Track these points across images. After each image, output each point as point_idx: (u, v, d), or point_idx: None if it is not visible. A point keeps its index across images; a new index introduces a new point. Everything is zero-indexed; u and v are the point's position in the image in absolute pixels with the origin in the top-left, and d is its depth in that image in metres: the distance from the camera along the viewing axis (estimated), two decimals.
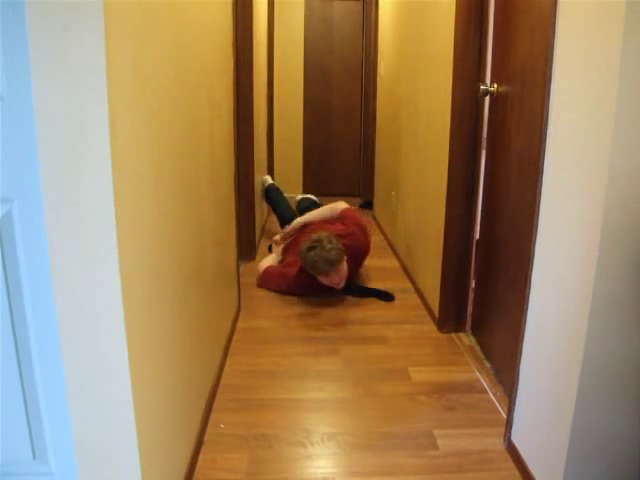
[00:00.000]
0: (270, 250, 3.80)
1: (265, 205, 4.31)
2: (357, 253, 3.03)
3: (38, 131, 0.93)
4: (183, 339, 1.54)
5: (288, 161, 5.51)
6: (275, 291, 3.05)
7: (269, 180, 4.32)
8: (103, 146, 0.96)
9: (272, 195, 4.10)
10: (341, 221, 3.23)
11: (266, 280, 3.12)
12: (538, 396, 1.55)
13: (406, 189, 3.40)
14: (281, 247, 3.40)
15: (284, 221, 3.70)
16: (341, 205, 3.35)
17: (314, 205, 3.95)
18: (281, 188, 4.22)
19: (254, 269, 3.39)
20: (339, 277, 2.83)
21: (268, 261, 3.28)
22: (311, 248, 2.76)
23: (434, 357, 2.39)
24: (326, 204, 3.60)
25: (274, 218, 4.75)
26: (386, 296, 2.98)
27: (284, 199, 4.03)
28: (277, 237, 3.49)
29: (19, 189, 0.96)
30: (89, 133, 0.96)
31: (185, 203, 1.57)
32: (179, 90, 1.48)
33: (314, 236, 2.84)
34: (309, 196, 4.28)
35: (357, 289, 3.06)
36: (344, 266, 2.83)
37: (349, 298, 2.96)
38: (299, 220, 3.43)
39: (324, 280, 2.83)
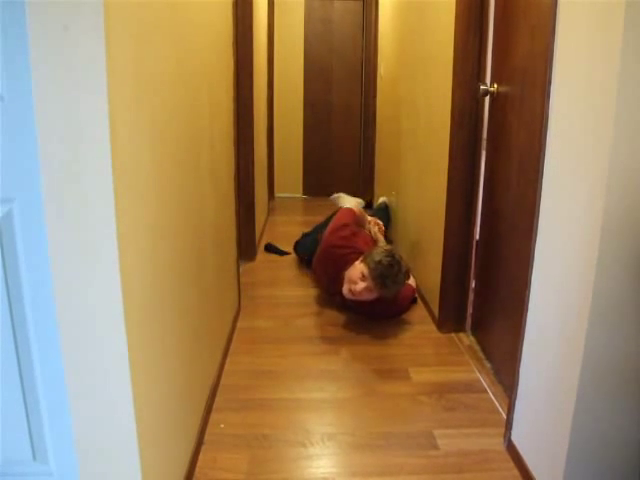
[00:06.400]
0: (267, 249, 3.80)
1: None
2: (388, 305, 2.65)
3: (38, 131, 0.93)
4: (183, 339, 1.54)
5: (288, 161, 5.51)
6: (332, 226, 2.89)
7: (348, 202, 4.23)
8: (103, 146, 0.96)
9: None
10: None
11: (344, 216, 2.97)
12: (538, 396, 1.55)
13: (406, 189, 3.40)
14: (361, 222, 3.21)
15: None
16: (411, 282, 2.93)
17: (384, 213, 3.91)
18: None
19: (254, 269, 3.39)
20: (368, 295, 2.49)
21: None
22: (391, 265, 2.44)
23: (434, 357, 2.39)
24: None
25: (274, 219, 4.77)
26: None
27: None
28: (380, 225, 3.33)
29: (19, 189, 0.96)
30: (89, 133, 0.95)
31: (185, 203, 1.57)
32: (179, 90, 1.48)
33: (401, 258, 2.56)
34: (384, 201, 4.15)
35: None
36: (383, 296, 2.52)
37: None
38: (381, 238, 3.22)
39: (357, 278, 2.48)
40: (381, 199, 4.29)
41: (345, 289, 2.56)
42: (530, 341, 1.61)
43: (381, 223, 3.37)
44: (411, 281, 2.87)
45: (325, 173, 5.64)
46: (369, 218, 3.33)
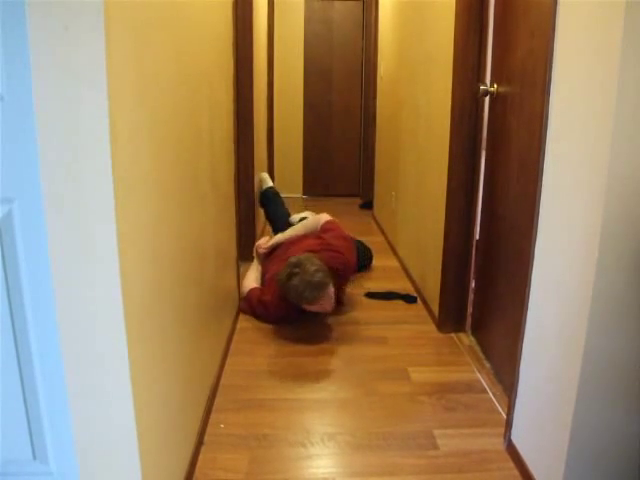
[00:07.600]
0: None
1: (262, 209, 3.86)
2: (337, 269, 2.56)
3: (38, 131, 0.93)
4: (183, 339, 1.54)
5: (288, 161, 5.51)
6: (260, 320, 2.69)
7: (268, 182, 3.88)
8: (103, 146, 0.96)
9: (268, 200, 3.74)
10: (321, 234, 2.83)
11: (248, 306, 2.74)
12: (538, 396, 1.55)
13: (406, 189, 3.40)
14: (261, 258, 3.09)
15: (278, 228, 3.36)
16: (324, 217, 2.98)
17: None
18: (278, 190, 3.87)
19: None
20: (329, 302, 2.44)
21: (252, 279, 2.93)
22: (292, 275, 2.35)
23: (434, 357, 2.39)
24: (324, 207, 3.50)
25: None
26: (408, 298, 2.97)
27: (281, 203, 3.70)
28: (262, 245, 3.09)
29: (19, 189, 0.96)
30: (89, 133, 0.96)
31: (185, 203, 1.57)
32: (179, 90, 1.48)
33: (292, 260, 2.42)
34: (306, 215, 3.70)
35: (379, 293, 3.01)
36: (331, 288, 2.42)
37: (350, 299, 2.96)
38: (280, 236, 3.06)
39: (312, 308, 2.46)
40: (264, 183, 3.85)
41: (327, 312, 2.55)
42: (530, 341, 1.61)
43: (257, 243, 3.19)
44: (321, 218, 2.91)
45: (325, 173, 5.65)
46: (255, 262, 3.14)
